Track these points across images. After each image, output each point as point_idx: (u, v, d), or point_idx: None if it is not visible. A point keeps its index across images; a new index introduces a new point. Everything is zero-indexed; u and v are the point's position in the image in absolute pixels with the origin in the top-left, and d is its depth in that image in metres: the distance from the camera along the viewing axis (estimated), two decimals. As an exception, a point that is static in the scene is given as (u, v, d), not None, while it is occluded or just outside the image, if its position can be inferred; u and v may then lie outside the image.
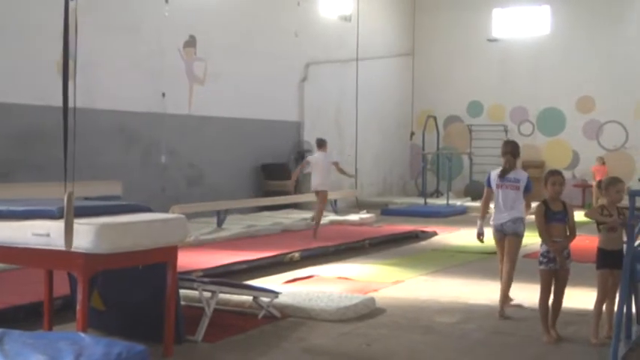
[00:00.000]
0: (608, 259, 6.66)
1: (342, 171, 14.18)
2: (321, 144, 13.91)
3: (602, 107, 23.00)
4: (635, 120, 22.60)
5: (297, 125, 20.32)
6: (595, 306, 6.75)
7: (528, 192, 7.89)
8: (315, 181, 13.67)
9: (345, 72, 21.86)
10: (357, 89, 21.69)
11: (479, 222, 8.15)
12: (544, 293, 6.87)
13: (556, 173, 6.93)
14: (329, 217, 16.89)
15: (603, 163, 21.25)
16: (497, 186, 7.89)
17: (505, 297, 7.87)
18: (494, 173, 7.99)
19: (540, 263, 6.90)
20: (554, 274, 6.86)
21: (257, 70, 18.50)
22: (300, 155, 19.18)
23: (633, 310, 6.74)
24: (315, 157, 13.85)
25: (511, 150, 7.93)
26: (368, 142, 22.93)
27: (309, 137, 19.85)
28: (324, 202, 13.78)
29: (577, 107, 23.44)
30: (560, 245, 6.78)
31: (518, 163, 8.04)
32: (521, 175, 7.92)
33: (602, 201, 6.98)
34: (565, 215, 6.82)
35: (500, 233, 7.88)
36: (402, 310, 8.06)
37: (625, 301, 6.32)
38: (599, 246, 6.77)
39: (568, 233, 6.85)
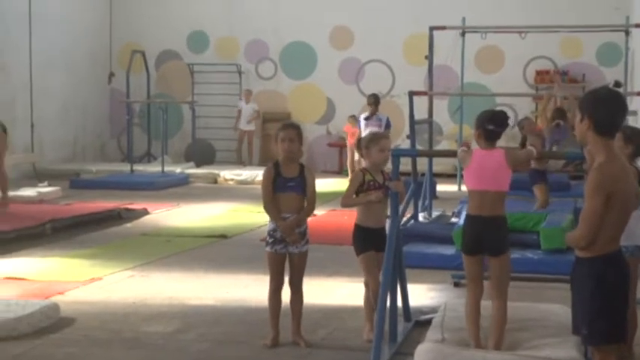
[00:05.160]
0: (369, 240, 7.04)
1: None
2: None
3: (363, 42, 24.02)
4: (404, 60, 23.73)
5: None
6: (369, 296, 7.12)
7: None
8: None
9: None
10: (31, 13, 21.09)
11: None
12: (272, 282, 7.17)
13: (289, 127, 7.18)
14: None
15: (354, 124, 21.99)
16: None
17: None
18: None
19: (267, 244, 7.16)
20: (287, 260, 7.15)
21: None
22: None
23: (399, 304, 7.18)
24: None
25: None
26: (49, 86, 22.30)
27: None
28: None
29: (331, 42, 24.32)
30: (290, 223, 7.02)
31: None
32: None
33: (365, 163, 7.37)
34: (302, 182, 7.08)
35: None
36: (99, 320, 8.02)
37: (388, 292, 6.68)
38: (357, 223, 7.15)
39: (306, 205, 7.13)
